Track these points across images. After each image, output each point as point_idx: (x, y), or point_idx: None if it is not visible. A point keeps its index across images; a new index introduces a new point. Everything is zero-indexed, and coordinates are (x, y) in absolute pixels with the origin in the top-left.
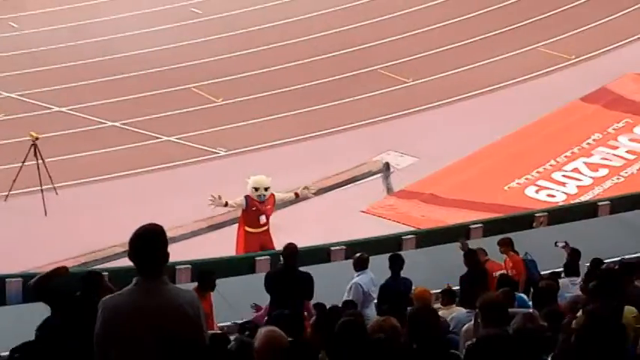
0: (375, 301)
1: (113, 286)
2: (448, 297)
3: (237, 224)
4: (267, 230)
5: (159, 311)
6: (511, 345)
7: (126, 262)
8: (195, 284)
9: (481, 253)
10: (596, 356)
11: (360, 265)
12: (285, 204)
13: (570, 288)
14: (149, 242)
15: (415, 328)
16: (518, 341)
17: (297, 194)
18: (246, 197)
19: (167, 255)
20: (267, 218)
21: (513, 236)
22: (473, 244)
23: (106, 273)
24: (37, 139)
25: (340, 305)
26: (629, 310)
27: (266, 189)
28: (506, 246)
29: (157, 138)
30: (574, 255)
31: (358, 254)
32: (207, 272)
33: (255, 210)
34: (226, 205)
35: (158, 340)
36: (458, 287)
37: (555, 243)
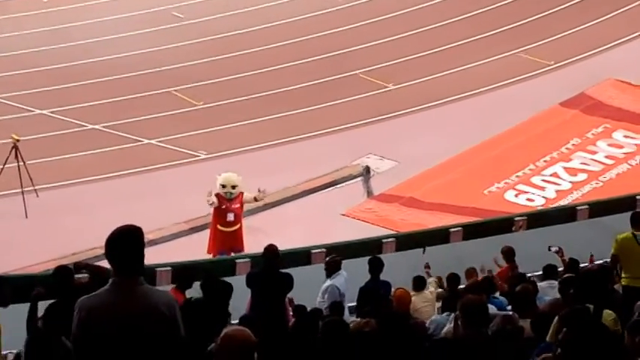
0: (351, 304)
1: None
2: (418, 283)
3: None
4: (239, 231)
5: (135, 311)
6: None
7: (106, 264)
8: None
9: (472, 272)
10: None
11: (334, 269)
12: (253, 205)
13: (548, 291)
14: (125, 243)
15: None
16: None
17: (255, 198)
18: (217, 195)
19: (143, 255)
20: (237, 217)
21: (493, 240)
22: (453, 247)
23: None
24: (18, 141)
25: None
26: (608, 313)
27: (233, 187)
28: (503, 254)
29: (138, 141)
30: (572, 264)
31: (329, 258)
32: (184, 269)
33: (224, 208)
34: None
35: (135, 340)
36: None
37: (549, 248)
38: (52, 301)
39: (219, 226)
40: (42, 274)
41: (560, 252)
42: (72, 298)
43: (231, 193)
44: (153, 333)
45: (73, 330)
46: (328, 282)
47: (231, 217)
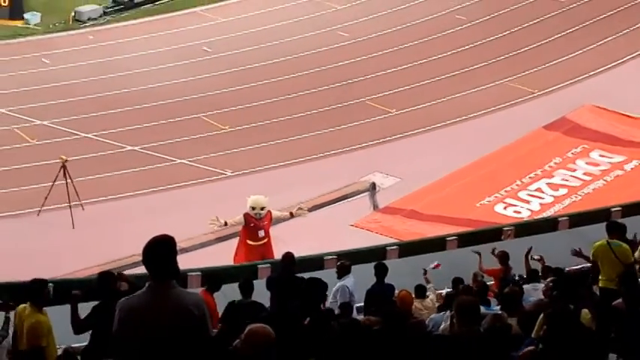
0: (359, 304)
1: (130, 285)
2: (420, 291)
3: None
4: (268, 243)
5: (168, 311)
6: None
7: (143, 269)
8: (203, 288)
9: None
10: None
11: (344, 272)
12: (281, 221)
13: (533, 293)
14: (160, 250)
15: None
16: (487, 338)
17: (291, 214)
18: (245, 215)
19: (176, 262)
20: (266, 233)
21: (484, 247)
22: (449, 254)
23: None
24: (66, 161)
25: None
26: (585, 312)
27: (262, 208)
28: (498, 258)
29: (171, 161)
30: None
31: (340, 262)
32: (214, 275)
33: (253, 226)
34: (226, 224)
35: (168, 337)
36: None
37: (532, 257)
38: (96, 303)
39: (249, 242)
40: (85, 279)
41: (541, 260)
42: (114, 300)
43: (260, 214)
44: (183, 330)
45: (113, 327)
46: (339, 283)
47: (261, 233)
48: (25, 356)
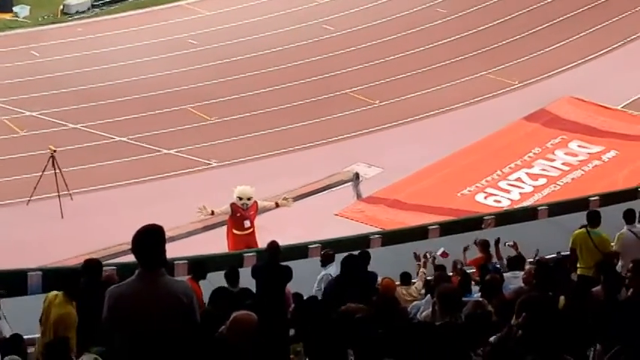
0: None
1: (119, 278)
2: (405, 279)
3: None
4: (253, 233)
5: (157, 298)
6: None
7: (131, 258)
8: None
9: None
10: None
11: (328, 260)
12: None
13: (513, 281)
14: (149, 239)
15: (381, 313)
16: (468, 325)
17: (277, 204)
18: (231, 205)
19: (165, 251)
20: (251, 223)
21: (464, 236)
22: (430, 243)
23: (114, 267)
24: (54, 151)
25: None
26: (563, 299)
27: (249, 199)
28: (479, 246)
29: (158, 151)
30: (520, 258)
31: (324, 251)
32: (200, 263)
33: (239, 216)
34: (212, 213)
35: (157, 324)
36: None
37: (504, 243)
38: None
39: (235, 231)
40: (74, 267)
41: (514, 246)
42: (99, 289)
43: (246, 204)
44: (172, 317)
45: (103, 314)
46: (323, 272)
47: (247, 223)
48: (53, 346)
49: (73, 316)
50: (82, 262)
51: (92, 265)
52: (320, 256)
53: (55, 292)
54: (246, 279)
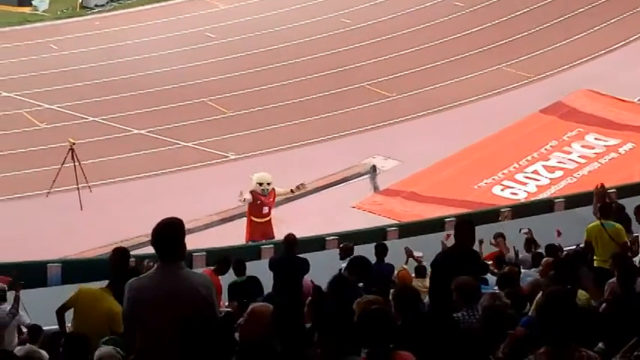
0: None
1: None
2: (420, 271)
3: (244, 217)
4: (270, 221)
5: (177, 291)
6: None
7: (150, 250)
8: (209, 268)
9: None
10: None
11: (346, 253)
12: (285, 199)
13: (530, 272)
14: (169, 232)
15: (400, 303)
16: (486, 317)
17: (292, 190)
18: (251, 192)
19: (184, 244)
20: (270, 209)
21: (481, 228)
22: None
23: (132, 259)
24: (74, 144)
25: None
26: (582, 292)
27: (268, 183)
28: (495, 239)
29: (177, 144)
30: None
31: (343, 244)
32: (225, 258)
33: (259, 203)
34: (244, 200)
35: (176, 316)
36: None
37: (520, 230)
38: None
39: (253, 218)
40: (94, 258)
41: (529, 232)
42: (123, 280)
43: (267, 189)
44: (192, 309)
45: (123, 306)
46: (343, 265)
47: (266, 210)
48: (76, 340)
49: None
50: (101, 253)
51: (120, 254)
52: (339, 249)
53: (92, 287)
54: (264, 271)
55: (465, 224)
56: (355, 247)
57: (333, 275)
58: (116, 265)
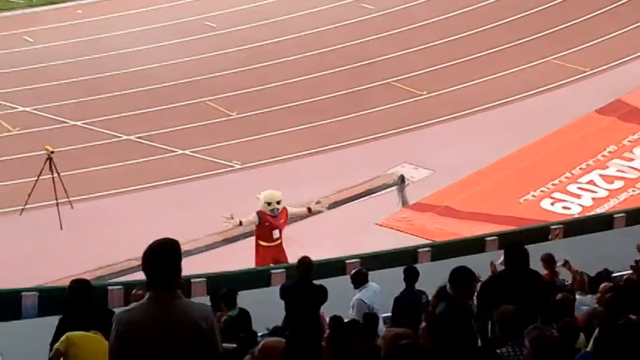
0: (385, 314)
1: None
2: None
3: (251, 237)
4: (281, 244)
5: (172, 326)
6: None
7: (141, 276)
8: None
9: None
10: None
11: (360, 281)
12: (297, 218)
13: (587, 301)
14: (163, 256)
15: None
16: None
17: (309, 209)
18: (258, 213)
19: (180, 269)
20: (280, 233)
21: (529, 248)
22: (488, 256)
23: (120, 287)
24: (52, 152)
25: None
26: None
27: (278, 202)
28: (543, 262)
29: (172, 151)
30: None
31: (355, 270)
32: (231, 291)
33: (268, 225)
34: (240, 224)
35: (171, 354)
36: None
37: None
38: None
39: (261, 242)
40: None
41: (567, 264)
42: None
43: (277, 209)
44: (190, 347)
45: (110, 342)
46: (356, 296)
47: (276, 233)
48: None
49: None
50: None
51: (78, 287)
52: (350, 277)
53: (83, 333)
54: (274, 300)
55: (517, 247)
56: (381, 271)
57: (439, 287)
58: (74, 299)
